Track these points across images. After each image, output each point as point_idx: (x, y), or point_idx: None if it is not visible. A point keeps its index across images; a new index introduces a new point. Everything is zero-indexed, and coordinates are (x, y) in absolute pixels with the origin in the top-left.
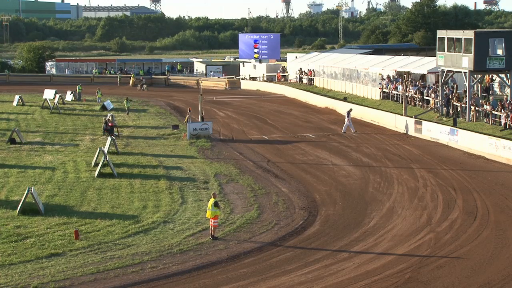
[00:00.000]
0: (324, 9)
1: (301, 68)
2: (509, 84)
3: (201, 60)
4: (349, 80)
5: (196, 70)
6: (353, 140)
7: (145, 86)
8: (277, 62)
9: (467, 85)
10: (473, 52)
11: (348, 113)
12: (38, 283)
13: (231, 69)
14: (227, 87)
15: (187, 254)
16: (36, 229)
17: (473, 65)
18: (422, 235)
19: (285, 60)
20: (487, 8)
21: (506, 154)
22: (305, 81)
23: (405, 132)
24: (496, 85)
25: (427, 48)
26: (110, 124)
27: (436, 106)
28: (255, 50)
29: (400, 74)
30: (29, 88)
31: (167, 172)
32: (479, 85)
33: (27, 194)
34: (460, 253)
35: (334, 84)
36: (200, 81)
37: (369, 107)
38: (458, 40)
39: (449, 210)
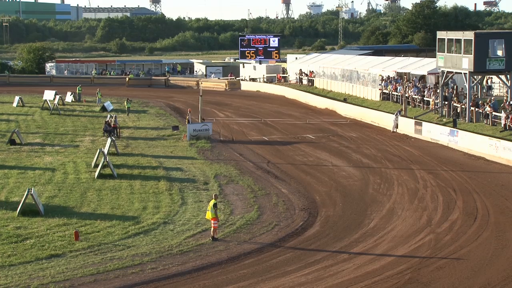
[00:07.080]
0: (324, 10)
1: (301, 69)
2: (509, 85)
3: (201, 61)
4: (349, 81)
5: (196, 71)
6: (353, 141)
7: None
8: (277, 63)
9: (467, 86)
10: (473, 53)
11: (399, 112)
12: (38, 284)
13: (232, 70)
14: (227, 88)
15: (187, 255)
16: (36, 230)
17: (473, 66)
18: (422, 236)
19: (285, 61)
20: (487, 9)
21: (506, 155)
22: (305, 82)
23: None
24: (496, 86)
25: (427, 49)
26: (113, 125)
27: (437, 107)
28: None
29: (400, 75)
30: (29, 89)
31: (167, 173)
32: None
33: (27, 195)
34: (460, 254)
35: (334, 85)
36: (200, 82)
37: (369, 108)
38: (458, 41)
39: (449, 211)
